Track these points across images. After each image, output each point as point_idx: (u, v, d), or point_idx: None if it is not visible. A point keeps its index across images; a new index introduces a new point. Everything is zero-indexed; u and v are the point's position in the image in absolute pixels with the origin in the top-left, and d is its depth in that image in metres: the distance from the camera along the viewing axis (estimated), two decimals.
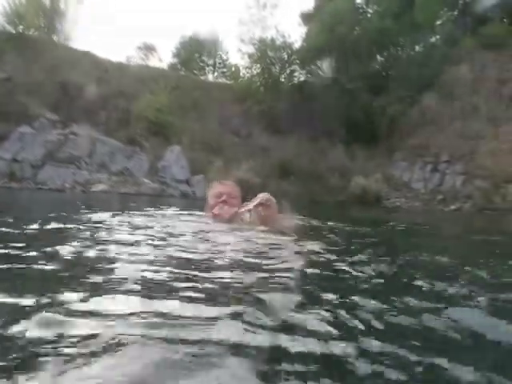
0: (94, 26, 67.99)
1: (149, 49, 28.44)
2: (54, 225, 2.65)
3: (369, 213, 11.52)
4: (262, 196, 2.95)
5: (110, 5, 68.13)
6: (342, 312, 1.02)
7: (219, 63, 32.61)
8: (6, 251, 1.65)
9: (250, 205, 2.91)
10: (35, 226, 2.50)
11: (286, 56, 28.09)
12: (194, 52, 31.13)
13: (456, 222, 9.47)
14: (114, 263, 1.45)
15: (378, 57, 27.62)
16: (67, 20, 26.91)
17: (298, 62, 28.24)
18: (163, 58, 30.75)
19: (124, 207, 6.23)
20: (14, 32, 23.34)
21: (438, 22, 27.47)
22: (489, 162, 18.66)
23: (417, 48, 27.56)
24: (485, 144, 19.70)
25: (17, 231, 2.33)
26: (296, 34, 54.21)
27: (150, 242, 1.97)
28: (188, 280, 1.26)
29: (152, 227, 2.60)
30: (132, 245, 1.87)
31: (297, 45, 28.90)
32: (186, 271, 1.38)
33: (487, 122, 20.47)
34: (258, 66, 28.31)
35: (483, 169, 18.58)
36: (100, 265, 1.45)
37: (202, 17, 74.83)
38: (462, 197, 18.65)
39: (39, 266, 1.40)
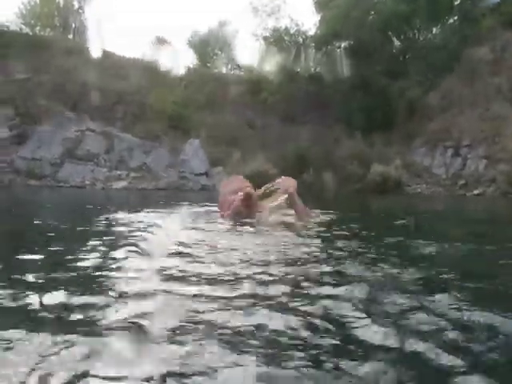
0: (108, 23, 68.37)
1: (162, 42, 28.41)
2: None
3: (389, 201, 11.35)
4: (282, 182, 2.84)
5: (124, 3, 68.32)
6: None
7: (232, 56, 32.49)
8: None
9: (273, 202, 2.80)
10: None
11: (300, 42, 27.76)
12: (207, 45, 31.07)
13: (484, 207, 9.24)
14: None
15: (395, 40, 27.03)
16: (82, 18, 27.18)
17: (313, 50, 27.89)
18: (177, 53, 30.63)
19: (136, 206, 6.25)
20: (30, 34, 23.69)
21: (456, 2, 26.68)
22: None
23: (434, 30, 26.88)
24: (508, 126, 19.14)
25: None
26: (310, 23, 53.49)
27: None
28: None
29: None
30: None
31: (311, 32, 28.57)
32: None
33: (510, 104, 19.86)
34: (272, 56, 28.09)
35: (506, 152, 18.07)
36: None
37: (214, 9, 74.47)
38: (484, 181, 18.20)
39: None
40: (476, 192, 17.37)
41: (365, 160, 20.23)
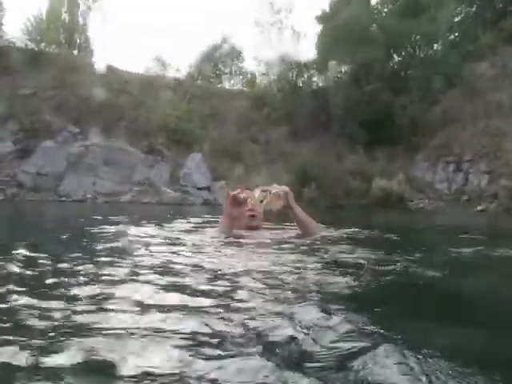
0: (111, 38, 69.17)
1: (166, 59, 28.74)
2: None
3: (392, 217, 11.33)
4: (277, 186, 2.79)
5: (126, 16, 69.23)
6: None
7: (235, 71, 32.79)
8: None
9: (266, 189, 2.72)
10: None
11: (302, 60, 27.99)
12: (210, 61, 31.38)
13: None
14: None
15: (396, 56, 27.29)
16: (87, 34, 27.56)
17: (315, 66, 28.11)
18: (180, 68, 30.93)
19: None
20: (36, 49, 23.99)
21: (457, 19, 26.99)
22: None
23: (435, 46, 27.14)
24: (509, 141, 19.19)
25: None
26: (312, 37, 54.11)
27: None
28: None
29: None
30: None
31: (313, 49, 28.87)
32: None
33: (511, 119, 19.94)
34: (275, 72, 28.36)
35: (508, 167, 18.10)
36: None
37: (217, 24, 75.38)
38: (487, 197, 18.18)
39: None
40: (479, 208, 17.33)
41: (367, 175, 20.27)
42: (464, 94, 22.47)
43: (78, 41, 27.34)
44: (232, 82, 32.54)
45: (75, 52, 26.99)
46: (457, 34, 26.73)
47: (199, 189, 19.53)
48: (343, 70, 26.33)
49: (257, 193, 2.71)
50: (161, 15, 68.17)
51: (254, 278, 1.52)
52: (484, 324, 1.15)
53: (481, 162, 19.59)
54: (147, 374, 0.74)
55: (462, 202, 18.76)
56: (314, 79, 29.03)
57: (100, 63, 25.03)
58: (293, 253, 2.15)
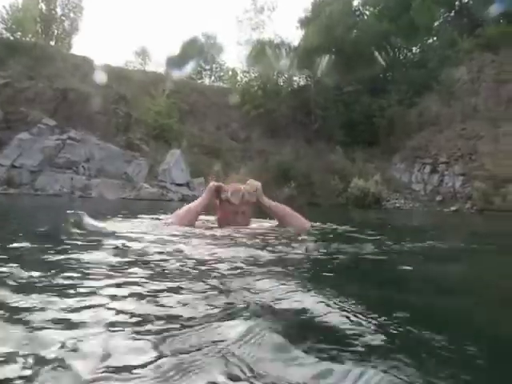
0: (91, 31, 68.13)
1: (146, 54, 28.47)
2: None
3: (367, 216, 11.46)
4: (250, 182, 2.89)
5: (107, 11, 68.28)
6: None
7: (216, 67, 32.67)
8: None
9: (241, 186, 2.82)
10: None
11: (284, 56, 27.96)
12: (191, 57, 31.17)
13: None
14: None
15: (377, 57, 27.61)
16: (65, 25, 27.02)
17: (296, 65, 28.19)
18: (161, 63, 30.64)
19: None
20: (12, 38, 23.39)
21: (436, 24, 27.51)
22: (488, 163, 18.64)
23: (414, 49, 27.59)
24: (484, 145, 19.68)
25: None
26: (294, 38, 54.39)
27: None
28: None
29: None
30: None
31: (295, 43, 28.91)
32: None
33: (486, 123, 20.44)
34: (256, 69, 28.29)
35: (482, 170, 18.55)
36: None
37: (199, 20, 74.96)
38: (461, 198, 18.61)
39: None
40: (453, 208, 17.72)
41: (346, 175, 20.48)
42: (441, 98, 22.93)
43: (56, 31, 26.79)
44: (212, 78, 32.42)
45: (52, 43, 26.44)
46: (435, 39, 27.24)
47: (178, 185, 19.38)
48: (325, 71, 26.49)
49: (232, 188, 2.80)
50: (143, 8, 67.51)
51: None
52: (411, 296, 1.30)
53: (456, 165, 20.02)
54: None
55: (437, 202, 19.14)
56: (295, 78, 29.12)
57: (79, 55, 24.43)
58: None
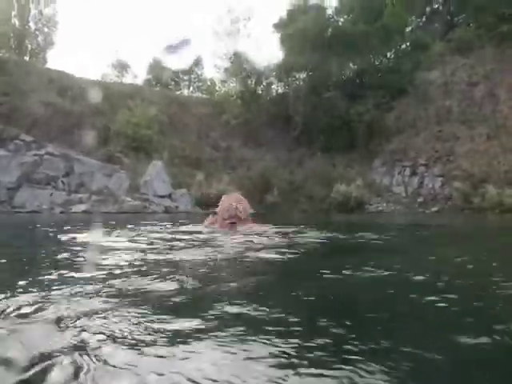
0: (67, 45, 67.33)
1: (123, 66, 28.26)
2: None
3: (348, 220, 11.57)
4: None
5: (83, 24, 67.59)
6: None
7: (194, 78, 32.65)
8: None
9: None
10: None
11: (261, 67, 28.09)
12: (169, 68, 31.12)
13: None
14: None
15: (351, 64, 27.96)
16: (39, 40, 26.66)
17: (274, 73, 28.32)
18: (138, 74, 30.48)
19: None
20: None
21: (408, 29, 28.12)
22: (466, 164, 19.06)
23: (388, 54, 28.08)
24: (460, 146, 20.13)
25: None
26: (271, 45, 54.82)
27: None
28: None
29: None
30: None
31: (272, 57, 29.10)
32: None
33: (461, 124, 20.93)
34: (234, 79, 28.35)
35: (461, 170, 18.94)
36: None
37: (175, 31, 74.78)
38: (441, 199, 18.95)
39: None
40: (434, 209, 18.02)
41: (327, 180, 20.62)
42: (416, 101, 23.39)
43: (30, 46, 26.41)
44: (191, 89, 32.39)
45: (27, 58, 26.03)
46: (408, 44, 27.80)
47: (160, 197, 19.20)
48: (301, 77, 26.73)
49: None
50: (119, 19, 67.12)
51: None
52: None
53: (435, 166, 20.39)
54: None
55: (418, 204, 19.44)
56: (274, 86, 29.28)
57: (54, 69, 24.08)
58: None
